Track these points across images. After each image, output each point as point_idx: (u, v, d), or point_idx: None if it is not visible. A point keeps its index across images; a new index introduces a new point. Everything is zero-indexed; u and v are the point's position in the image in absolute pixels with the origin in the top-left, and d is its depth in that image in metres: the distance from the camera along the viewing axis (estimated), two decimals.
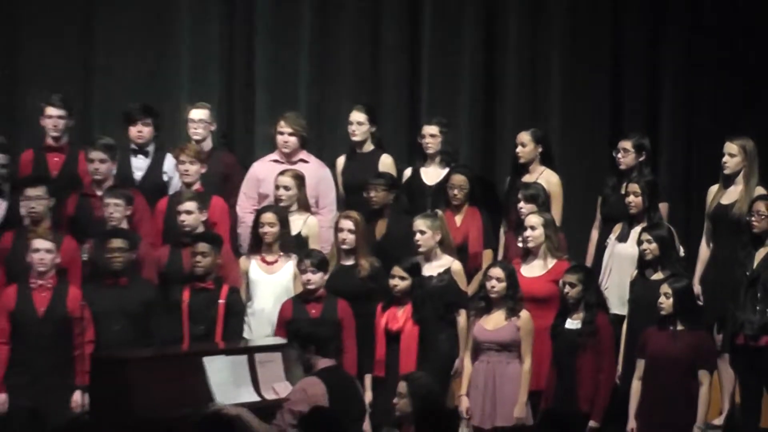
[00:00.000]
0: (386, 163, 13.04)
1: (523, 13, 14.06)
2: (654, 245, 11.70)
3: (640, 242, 11.85)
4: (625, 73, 14.01)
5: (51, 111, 12.88)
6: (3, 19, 14.17)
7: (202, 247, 11.89)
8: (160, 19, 14.27)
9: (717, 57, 13.63)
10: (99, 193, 12.51)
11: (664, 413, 11.25)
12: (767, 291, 11.62)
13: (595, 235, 12.78)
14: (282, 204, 12.48)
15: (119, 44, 14.21)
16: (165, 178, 12.98)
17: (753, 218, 11.74)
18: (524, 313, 11.52)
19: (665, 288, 11.27)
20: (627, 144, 12.64)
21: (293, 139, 12.90)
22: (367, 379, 11.68)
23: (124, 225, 12.16)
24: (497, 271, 11.57)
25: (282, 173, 12.60)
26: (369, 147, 13.12)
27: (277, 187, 12.56)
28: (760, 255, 11.75)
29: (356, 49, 14.20)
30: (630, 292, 11.92)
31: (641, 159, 12.57)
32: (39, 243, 11.76)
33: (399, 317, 11.76)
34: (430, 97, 14.04)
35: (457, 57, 14.08)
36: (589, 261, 12.61)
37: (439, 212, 12.42)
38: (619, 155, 12.63)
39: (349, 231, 12.12)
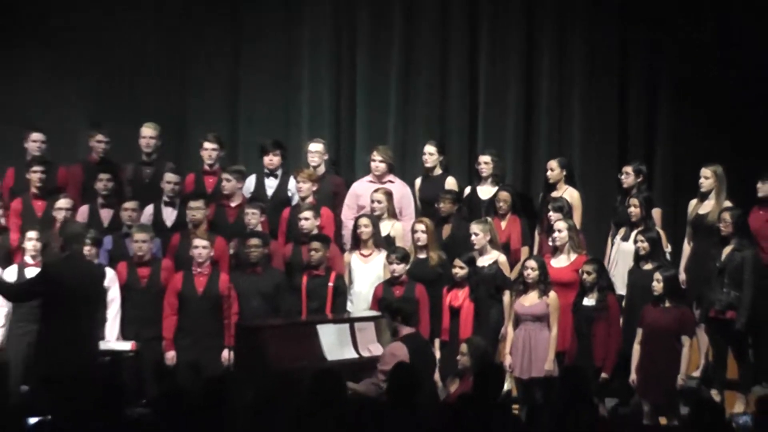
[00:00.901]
0: (451, 183, 12.92)
1: (553, 73, 13.81)
2: (646, 244, 11.67)
3: (635, 242, 11.82)
4: (629, 114, 13.75)
5: (207, 145, 12.93)
6: (174, 78, 14.24)
7: (316, 244, 11.94)
8: (287, 77, 14.25)
9: (702, 103, 13.30)
10: (232, 204, 12.56)
11: (656, 368, 11.21)
12: (731, 278, 11.59)
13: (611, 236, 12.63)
14: (375, 213, 12.47)
15: (258, 94, 14.26)
16: (289, 194, 12.92)
17: (721, 224, 11.72)
18: (552, 294, 11.52)
19: (657, 275, 11.26)
20: (629, 169, 12.59)
21: (383, 165, 12.87)
22: (437, 342, 11.73)
23: (259, 228, 12.20)
24: (532, 263, 11.64)
25: (376, 191, 12.59)
26: (438, 171, 13.00)
27: (372, 201, 12.53)
28: (726, 251, 11.70)
29: (429, 98, 14.01)
30: (628, 278, 11.87)
31: (639, 180, 12.47)
32: (198, 241, 11.86)
33: (459, 296, 11.79)
34: (483, 134, 13.85)
35: (504, 104, 13.88)
36: (606, 256, 12.46)
37: (489, 219, 12.36)
38: (623, 177, 12.57)
39: (423, 232, 12.13)
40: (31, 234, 11.79)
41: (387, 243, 12.35)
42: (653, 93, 13.81)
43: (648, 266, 11.65)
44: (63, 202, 12.27)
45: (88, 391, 7.90)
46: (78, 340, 10.37)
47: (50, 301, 10.45)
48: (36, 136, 13.05)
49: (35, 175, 12.61)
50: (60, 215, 12.08)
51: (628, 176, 12.56)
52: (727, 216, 11.75)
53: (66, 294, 10.37)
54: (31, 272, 11.36)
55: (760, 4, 13.10)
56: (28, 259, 11.66)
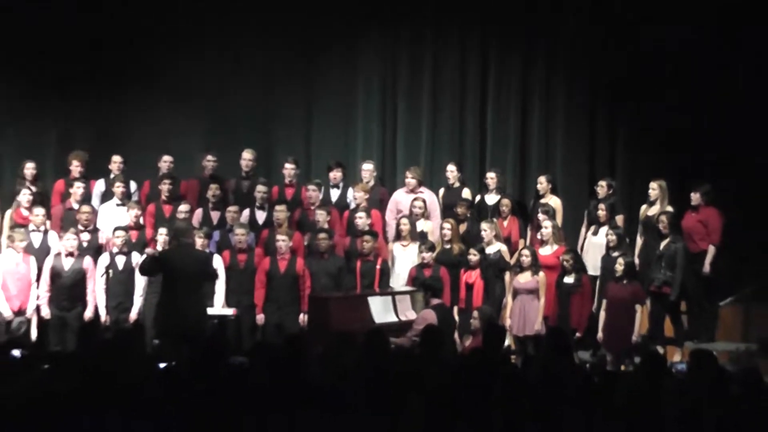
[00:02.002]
0: (466, 193, 12.84)
1: (541, 112, 13.72)
2: (614, 238, 11.62)
3: (607, 235, 11.73)
4: (597, 143, 13.65)
5: (288, 165, 12.92)
6: (265, 115, 14.20)
7: (367, 237, 11.93)
8: (347, 114, 14.17)
9: (651, 134, 13.17)
10: (312, 208, 12.53)
11: (617, 328, 11.23)
12: (667, 263, 11.54)
13: (583, 231, 12.48)
14: (416, 214, 12.41)
15: (324, 128, 14.14)
16: (348, 200, 12.86)
17: (660, 224, 11.70)
18: (541, 274, 11.53)
19: (620, 260, 11.26)
20: (603, 183, 12.37)
21: (414, 181, 12.74)
22: (455, 309, 11.69)
23: (326, 226, 12.15)
24: (526, 251, 11.64)
25: (416, 199, 12.53)
26: (457, 184, 12.90)
27: (412, 206, 12.47)
28: (663, 244, 11.66)
29: (450, 130, 13.90)
30: (601, 263, 11.75)
31: (610, 192, 12.30)
32: (281, 236, 11.87)
33: (473, 276, 11.77)
34: (490, 157, 13.78)
35: (505, 135, 13.80)
36: (579, 245, 12.34)
37: (495, 220, 12.32)
38: (599, 188, 12.38)
39: (449, 229, 12.09)
40: (162, 230, 11.81)
41: (421, 236, 12.28)
42: (614, 127, 13.66)
43: (615, 254, 11.55)
44: (184, 207, 12.28)
45: (200, 345, 7.93)
46: (189, 307, 10.41)
47: (166, 278, 10.52)
48: (166, 157, 13.08)
49: (165, 186, 12.61)
50: (181, 216, 12.07)
51: (602, 188, 12.40)
52: (664, 218, 11.70)
53: (176, 273, 10.42)
54: None
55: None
56: (159, 248, 11.64)
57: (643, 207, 12.32)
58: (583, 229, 12.54)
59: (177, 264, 10.46)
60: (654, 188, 12.12)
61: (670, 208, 11.96)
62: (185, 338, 9.54)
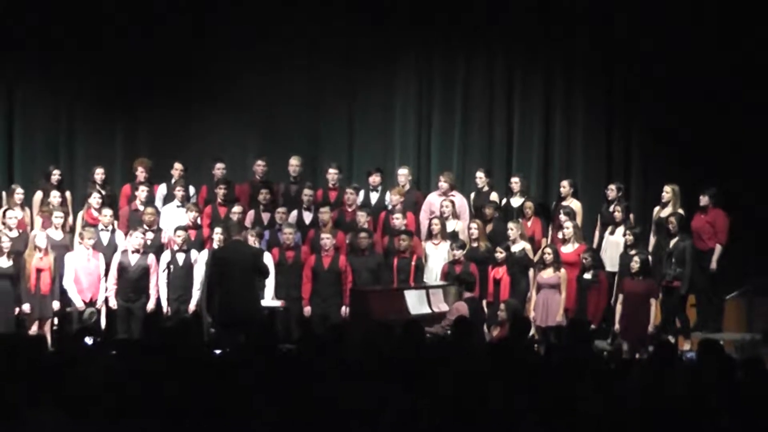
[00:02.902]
0: (494, 196, 12.83)
1: (562, 122, 13.66)
2: (632, 237, 11.61)
3: (624, 235, 11.72)
4: (614, 150, 13.58)
5: (331, 170, 12.95)
6: (311, 126, 14.14)
7: (404, 236, 11.94)
8: (386, 124, 14.12)
9: (664, 140, 13.08)
10: (349, 210, 12.54)
11: (633, 320, 11.21)
12: (677, 259, 11.55)
13: (598, 231, 12.44)
14: (444, 214, 12.41)
15: (365, 137, 14.13)
16: (386, 203, 12.85)
17: (669, 225, 11.72)
18: (563, 270, 11.51)
19: (636, 258, 11.23)
20: (612, 186, 12.40)
21: (446, 185, 12.71)
22: (484, 302, 11.66)
23: (366, 225, 12.17)
24: (549, 249, 11.62)
25: (444, 200, 12.54)
26: (486, 188, 12.91)
27: (441, 206, 12.46)
28: (672, 242, 11.68)
29: (480, 139, 13.84)
30: (619, 260, 11.73)
31: (620, 194, 12.32)
32: (325, 235, 11.92)
33: (500, 272, 11.75)
34: (516, 163, 13.73)
35: (530, 143, 13.73)
36: (595, 243, 12.31)
37: (521, 220, 12.30)
38: (609, 192, 12.40)
39: (476, 229, 12.09)
40: (217, 230, 11.84)
41: (451, 236, 12.25)
42: (629, 136, 13.61)
43: (632, 252, 11.50)
44: (237, 209, 12.30)
45: (252, 333, 7.98)
46: (244, 297, 10.43)
47: (221, 272, 10.55)
48: (220, 164, 13.12)
49: (220, 190, 12.68)
50: (235, 217, 12.09)
51: (612, 191, 12.39)
52: (673, 219, 11.74)
53: (228, 268, 10.45)
54: None
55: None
56: (215, 246, 11.69)
57: (657, 209, 12.28)
58: (597, 231, 12.48)
59: (231, 259, 10.50)
60: (667, 191, 12.07)
61: (681, 211, 11.95)
62: (242, 326, 9.51)
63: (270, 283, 11.67)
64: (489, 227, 12.33)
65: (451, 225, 12.42)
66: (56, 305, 11.63)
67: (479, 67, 13.93)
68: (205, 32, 13.98)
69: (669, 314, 11.58)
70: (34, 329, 11.36)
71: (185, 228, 11.96)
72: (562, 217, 12.15)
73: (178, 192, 12.62)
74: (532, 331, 11.30)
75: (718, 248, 11.86)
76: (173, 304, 11.70)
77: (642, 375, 7.03)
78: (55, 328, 11.77)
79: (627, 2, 13.30)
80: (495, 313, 11.06)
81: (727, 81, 12.78)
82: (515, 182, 12.85)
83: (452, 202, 12.57)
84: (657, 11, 13.04)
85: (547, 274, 11.55)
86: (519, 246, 11.97)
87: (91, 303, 11.66)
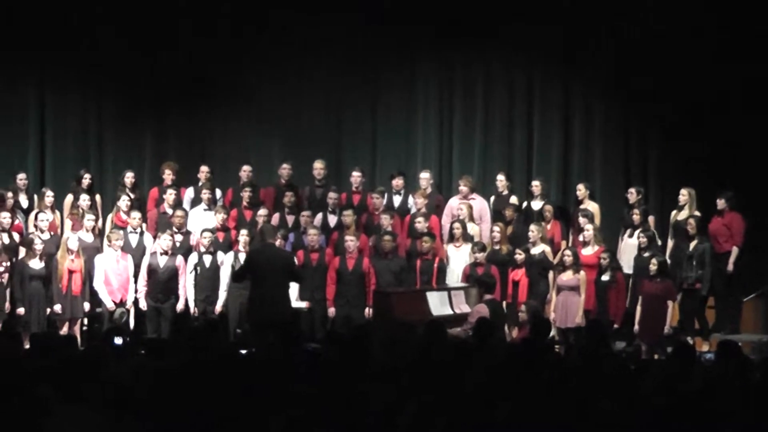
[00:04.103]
0: (514, 199, 12.81)
1: (581, 129, 13.61)
2: (645, 239, 11.59)
3: (639, 237, 11.71)
4: (631, 155, 13.52)
5: (355, 174, 12.96)
6: (335, 131, 14.17)
7: (426, 239, 11.91)
8: (408, 129, 14.14)
9: (679, 147, 12.95)
10: (377, 212, 12.57)
11: (651, 321, 11.15)
12: (697, 261, 11.55)
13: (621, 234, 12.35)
14: (460, 217, 12.38)
15: (388, 141, 14.15)
16: (409, 206, 12.85)
17: (688, 227, 11.72)
18: (582, 272, 11.44)
19: (653, 261, 11.18)
20: (632, 190, 12.40)
21: (466, 189, 12.70)
22: (503, 303, 11.62)
23: (390, 228, 12.14)
24: (568, 252, 11.59)
25: (461, 203, 12.54)
26: (505, 192, 12.88)
27: (458, 209, 12.49)
28: (692, 245, 11.68)
29: (500, 144, 13.83)
30: (634, 262, 11.72)
31: (639, 197, 12.29)
32: (349, 237, 11.92)
33: (519, 274, 11.73)
34: (536, 167, 13.70)
35: (549, 148, 13.71)
36: (618, 247, 12.20)
37: (542, 223, 12.28)
38: (629, 196, 12.40)
39: (498, 232, 12.07)
40: (243, 232, 11.89)
41: (471, 239, 12.23)
42: (646, 141, 13.56)
43: (647, 254, 11.51)
44: (263, 212, 12.35)
45: (279, 333, 7.98)
46: (277, 299, 10.39)
47: (254, 275, 10.53)
48: (246, 167, 13.14)
49: (246, 193, 12.69)
50: (261, 220, 12.15)
51: (632, 194, 12.37)
52: (692, 221, 11.74)
53: (263, 270, 10.42)
54: (242, 256, 11.48)
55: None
56: (240, 248, 11.78)
57: (674, 212, 12.26)
58: (621, 233, 12.43)
59: (263, 262, 10.47)
60: (684, 195, 12.06)
61: (697, 213, 11.93)
62: (275, 327, 9.41)
63: (294, 284, 11.64)
64: (509, 229, 12.31)
65: (469, 228, 12.38)
66: (87, 306, 11.71)
67: (499, 73, 13.94)
68: (232, 41, 14.08)
69: (688, 316, 11.57)
70: (65, 329, 11.44)
71: (212, 230, 11.96)
72: (582, 219, 12.12)
73: (205, 195, 12.64)
74: (552, 332, 11.21)
75: (735, 250, 11.83)
76: (200, 305, 11.74)
77: (661, 375, 6.97)
78: (84, 328, 11.89)
79: (644, 9, 13.24)
80: (514, 314, 11.05)
81: (743, 86, 12.72)
82: (536, 186, 12.81)
83: (470, 205, 12.56)
84: (675, 18, 12.99)
85: (567, 276, 11.50)
86: (539, 248, 11.91)
87: (121, 303, 11.71)
